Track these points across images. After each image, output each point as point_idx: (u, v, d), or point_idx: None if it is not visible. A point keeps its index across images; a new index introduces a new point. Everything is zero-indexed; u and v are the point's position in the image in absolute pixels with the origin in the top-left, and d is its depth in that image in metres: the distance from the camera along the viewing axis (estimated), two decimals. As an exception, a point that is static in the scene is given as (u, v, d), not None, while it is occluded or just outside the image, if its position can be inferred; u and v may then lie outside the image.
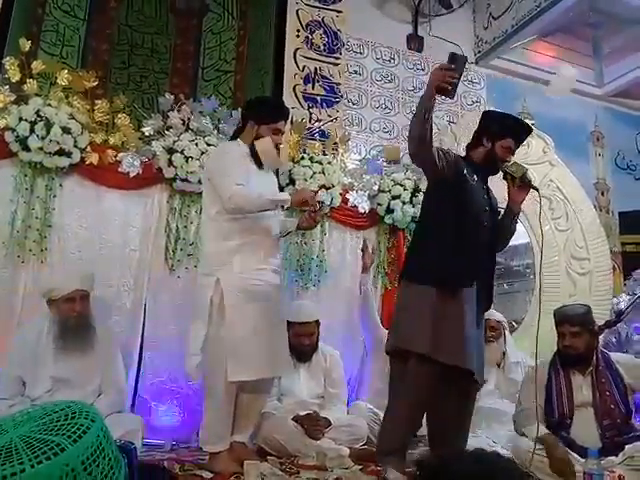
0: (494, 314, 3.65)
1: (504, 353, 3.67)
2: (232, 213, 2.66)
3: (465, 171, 2.64)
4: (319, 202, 2.87)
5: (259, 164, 2.79)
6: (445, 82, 2.36)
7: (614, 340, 4.44)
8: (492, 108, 4.64)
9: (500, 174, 2.75)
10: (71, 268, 3.20)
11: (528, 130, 2.83)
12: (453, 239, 2.54)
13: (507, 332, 3.79)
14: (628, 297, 4.55)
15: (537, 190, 2.72)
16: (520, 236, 4.50)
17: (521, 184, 2.68)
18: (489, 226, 2.67)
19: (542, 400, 2.82)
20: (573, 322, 2.82)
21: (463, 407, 2.66)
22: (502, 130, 2.70)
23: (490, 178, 2.80)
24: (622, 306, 4.32)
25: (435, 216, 2.65)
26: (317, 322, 3.43)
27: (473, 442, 3.22)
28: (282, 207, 2.88)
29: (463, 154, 2.81)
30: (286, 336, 2.88)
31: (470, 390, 2.68)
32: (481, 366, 2.64)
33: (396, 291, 3.16)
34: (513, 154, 2.73)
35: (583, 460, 2.40)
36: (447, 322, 2.48)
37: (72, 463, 0.74)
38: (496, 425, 3.40)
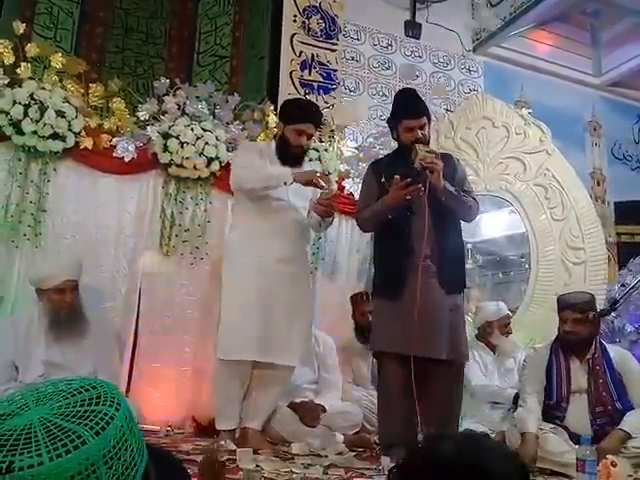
0: (505, 309, 3.70)
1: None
2: (242, 194, 2.88)
3: (383, 179, 2.67)
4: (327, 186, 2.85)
5: (282, 162, 2.89)
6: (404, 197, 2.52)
7: (607, 330, 4.45)
8: (489, 96, 4.62)
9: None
10: (60, 257, 3.15)
11: (417, 99, 2.74)
12: (380, 252, 2.81)
13: None
14: (619, 287, 4.55)
15: (431, 154, 2.52)
16: (515, 226, 4.50)
17: (422, 166, 2.52)
18: (419, 226, 2.57)
19: (542, 387, 2.89)
20: (575, 309, 2.85)
21: (446, 390, 2.63)
22: (396, 114, 2.74)
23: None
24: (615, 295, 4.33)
25: (374, 235, 2.94)
26: None
27: (470, 426, 3.25)
28: (285, 184, 2.81)
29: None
30: (297, 326, 2.89)
31: (449, 372, 2.63)
32: (457, 345, 2.63)
33: None
34: (422, 129, 2.63)
35: (576, 447, 2.42)
36: (397, 319, 2.58)
37: (92, 457, 0.71)
38: (490, 408, 3.43)
